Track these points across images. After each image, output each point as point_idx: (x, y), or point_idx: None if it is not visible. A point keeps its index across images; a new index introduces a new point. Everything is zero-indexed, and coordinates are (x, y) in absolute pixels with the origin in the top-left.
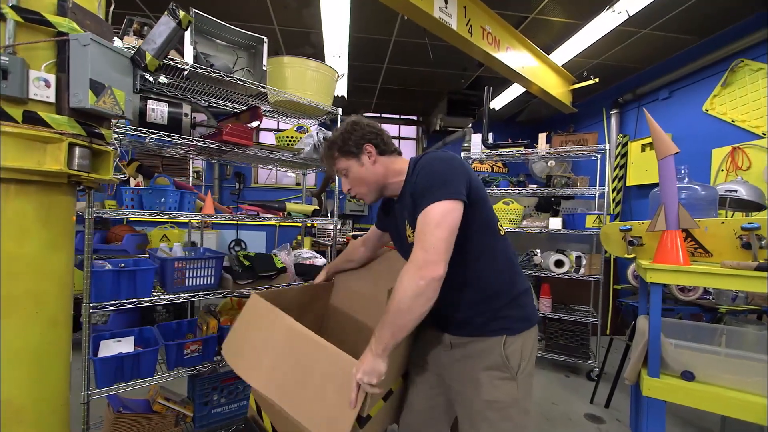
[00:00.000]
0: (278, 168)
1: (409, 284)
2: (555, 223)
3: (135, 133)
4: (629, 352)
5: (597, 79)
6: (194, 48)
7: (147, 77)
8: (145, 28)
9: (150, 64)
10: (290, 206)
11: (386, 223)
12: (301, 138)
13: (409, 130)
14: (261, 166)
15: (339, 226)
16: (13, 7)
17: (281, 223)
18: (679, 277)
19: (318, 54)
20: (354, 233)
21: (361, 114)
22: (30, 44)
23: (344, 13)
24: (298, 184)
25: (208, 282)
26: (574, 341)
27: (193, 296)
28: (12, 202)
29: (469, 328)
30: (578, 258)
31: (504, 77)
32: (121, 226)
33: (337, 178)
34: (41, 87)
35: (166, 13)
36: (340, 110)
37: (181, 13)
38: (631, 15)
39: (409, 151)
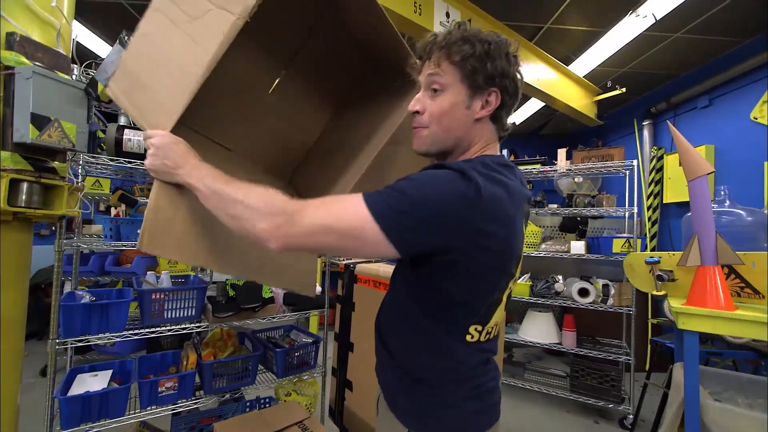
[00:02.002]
0: None
1: (263, 214)
2: (577, 247)
3: (112, 162)
4: (667, 402)
5: (624, 89)
6: None
7: None
8: None
9: (102, 95)
10: None
11: None
12: None
13: None
14: None
15: None
16: None
17: None
18: (719, 325)
19: None
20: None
21: None
22: None
23: None
24: None
25: (189, 314)
26: (604, 381)
27: (170, 330)
28: None
29: (383, 381)
30: (606, 287)
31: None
32: (133, 249)
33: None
34: None
35: (117, 41)
36: None
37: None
38: (658, 19)
39: None
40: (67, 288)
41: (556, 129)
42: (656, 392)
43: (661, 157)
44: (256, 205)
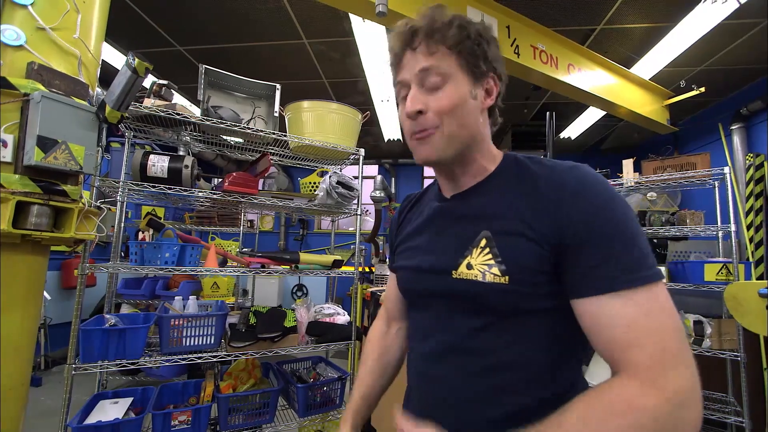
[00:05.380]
0: (304, 214)
1: (652, 425)
2: None
3: (134, 187)
4: None
5: (703, 89)
6: (206, 102)
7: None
8: (164, 89)
9: (110, 116)
10: (305, 257)
11: (404, 249)
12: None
13: None
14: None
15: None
16: None
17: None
18: None
19: (367, 101)
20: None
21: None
22: None
23: (385, 58)
24: None
25: (208, 342)
26: None
27: (186, 358)
28: None
29: None
30: (699, 324)
31: (575, 101)
32: (176, 273)
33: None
34: None
35: (124, 63)
36: (362, 151)
37: (136, 61)
38: (743, 2)
39: None
40: (124, 310)
41: (620, 141)
42: None
43: (760, 165)
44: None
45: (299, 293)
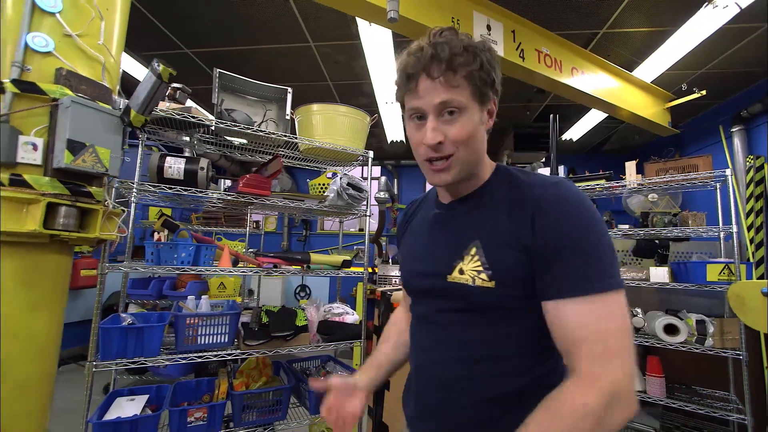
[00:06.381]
0: (320, 216)
1: (592, 423)
2: (659, 275)
3: (151, 188)
4: None
5: (704, 92)
6: (219, 105)
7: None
8: (178, 93)
9: (135, 120)
10: (315, 257)
11: (405, 251)
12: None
13: None
14: (304, 215)
15: (399, 273)
16: (13, 81)
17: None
18: None
19: (371, 102)
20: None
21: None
22: (23, 111)
23: (390, 61)
24: (361, 229)
25: (222, 340)
26: None
27: (202, 356)
28: None
29: None
30: (701, 323)
31: (578, 104)
32: (188, 274)
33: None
34: (29, 151)
35: (149, 69)
36: (370, 153)
37: (161, 67)
38: (743, 7)
39: None
40: (132, 310)
41: (621, 143)
42: None
43: (761, 167)
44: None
45: (302, 294)
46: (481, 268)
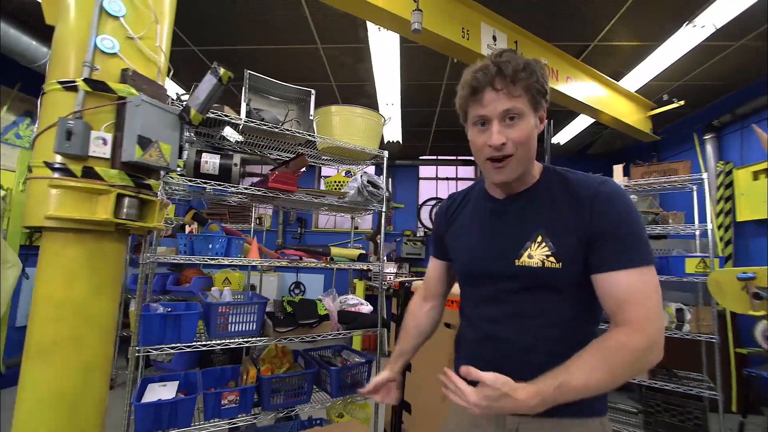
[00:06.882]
0: (327, 212)
1: (633, 359)
2: None
3: (190, 183)
4: None
5: (682, 102)
6: (247, 104)
7: (226, 137)
8: None
9: (194, 119)
10: (335, 251)
11: (461, 240)
12: (348, 182)
13: (467, 171)
14: (314, 210)
15: (395, 270)
16: (85, 80)
17: (329, 265)
18: None
19: (372, 103)
20: (405, 279)
21: (417, 158)
22: (92, 109)
23: (395, 65)
24: (356, 228)
25: (250, 328)
26: (686, 420)
27: (233, 342)
28: (68, 248)
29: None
30: (680, 311)
31: (567, 109)
32: (192, 269)
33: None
34: (99, 145)
35: (209, 71)
36: (386, 153)
37: (221, 71)
38: (718, 27)
39: None
40: (133, 306)
41: (605, 147)
42: None
43: (729, 172)
44: (627, 367)
45: (297, 291)
46: (549, 252)
